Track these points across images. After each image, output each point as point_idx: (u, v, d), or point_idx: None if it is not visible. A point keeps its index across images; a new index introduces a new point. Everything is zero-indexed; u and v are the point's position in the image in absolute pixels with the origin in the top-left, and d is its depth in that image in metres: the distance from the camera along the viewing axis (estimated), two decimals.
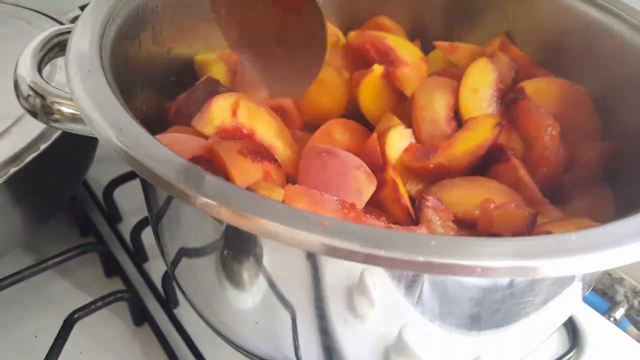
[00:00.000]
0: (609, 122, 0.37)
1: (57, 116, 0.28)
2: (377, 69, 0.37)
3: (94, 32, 0.28)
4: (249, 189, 0.25)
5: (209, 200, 0.19)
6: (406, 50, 0.39)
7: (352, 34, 0.40)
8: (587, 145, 0.36)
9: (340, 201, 0.24)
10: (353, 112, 0.39)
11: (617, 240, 0.19)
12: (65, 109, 0.27)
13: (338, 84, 0.38)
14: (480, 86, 0.38)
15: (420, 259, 0.17)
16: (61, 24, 0.47)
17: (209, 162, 0.28)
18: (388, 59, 0.39)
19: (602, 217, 0.32)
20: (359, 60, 0.40)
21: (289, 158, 0.33)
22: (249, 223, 0.19)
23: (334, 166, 0.28)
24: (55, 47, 0.31)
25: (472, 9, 0.45)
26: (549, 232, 0.29)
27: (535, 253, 0.18)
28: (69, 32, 0.29)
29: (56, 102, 0.27)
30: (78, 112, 0.25)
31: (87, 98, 0.24)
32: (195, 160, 0.27)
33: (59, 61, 0.42)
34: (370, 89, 0.38)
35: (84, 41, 0.27)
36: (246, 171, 0.27)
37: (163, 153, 0.22)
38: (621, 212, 0.33)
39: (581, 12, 0.39)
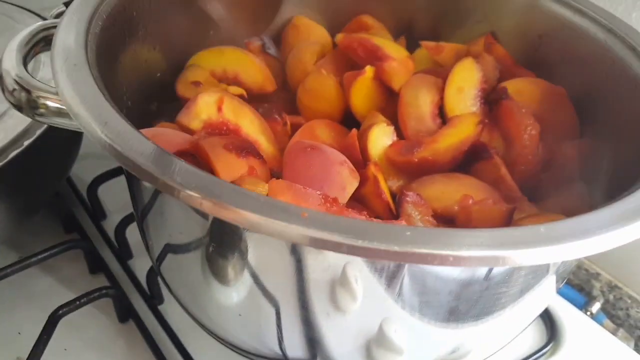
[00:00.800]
0: (586, 122, 0.38)
1: (42, 110, 0.28)
2: (369, 70, 0.38)
3: (79, 27, 0.28)
4: (233, 183, 0.26)
5: (192, 193, 0.19)
6: (393, 48, 0.40)
7: (339, 36, 0.41)
8: (565, 144, 0.37)
9: (323, 195, 0.24)
10: (349, 118, 0.40)
11: (584, 232, 0.20)
12: (50, 103, 0.28)
13: (332, 90, 0.39)
14: (465, 85, 0.39)
15: (395, 248, 0.18)
16: (45, 19, 0.46)
17: (193, 157, 0.28)
18: (375, 56, 0.39)
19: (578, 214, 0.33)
20: (349, 65, 0.41)
21: (272, 154, 0.33)
22: (231, 214, 0.19)
23: (318, 161, 0.28)
24: (40, 42, 0.31)
25: (455, 9, 0.46)
26: None
27: (506, 243, 0.18)
28: (55, 27, 0.29)
29: (42, 97, 0.27)
30: (63, 106, 0.25)
31: (72, 92, 0.24)
32: (180, 154, 0.27)
33: (43, 57, 0.42)
34: (362, 91, 0.38)
35: (69, 36, 0.27)
36: (231, 166, 0.28)
37: (147, 146, 0.22)
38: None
39: (558, 15, 0.40)
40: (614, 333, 0.50)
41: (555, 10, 0.40)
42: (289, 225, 0.18)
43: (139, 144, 0.22)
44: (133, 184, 0.30)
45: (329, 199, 0.24)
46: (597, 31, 0.37)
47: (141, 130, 0.24)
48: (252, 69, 0.41)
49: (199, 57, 0.41)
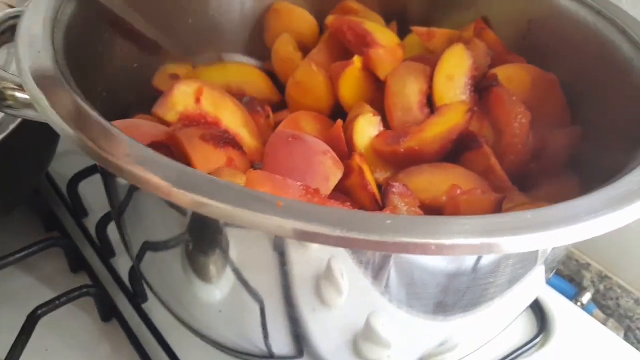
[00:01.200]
0: (577, 109, 0.38)
1: (10, 102, 0.27)
2: (357, 60, 0.37)
3: (46, 13, 0.27)
4: (210, 174, 0.25)
5: (160, 181, 0.18)
6: (383, 35, 0.39)
7: (330, 17, 0.40)
8: (556, 132, 0.36)
9: (304, 186, 0.23)
10: (337, 113, 0.39)
11: (571, 217, 0.19)
12: (19, 94, 0.26)
13: (322, 85, 0.38)
14: (455, 72, 0.38)
15: (375, 237, 0.17)
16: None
17: (168, 148, 0.27)
18: (364, 41, 0.38)
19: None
20: (341, 54, 0.40)
21: (255, 147, 0.32)
22: (202, 204, 0.18)
23: (300, 151, 0.27)
24: (7, 31, 0.29)
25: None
26: None
27: (490, 230, 0.18)
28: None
29: (9, 88, 0.26)
30: None
31: (34, 81, 0.23)
32: (154, 146, 0.26)
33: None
34: (350, 82, 0.37)
35: (35, 23, 0.26)
36: (208, 157, 0.27)
37: (116, 137, 0.21)
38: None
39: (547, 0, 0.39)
40: (604, 323, 0.50)
41: None
42: (262, 215, 0.17)
43: (106, 135, 0.21)
44: (107, 178, 0.29)
45: (311, 190, 0.23)
46: (586, 14, 0.37)
47: (114, 122, 0.23)
48: (257, 81, 0.41)
49: (200, 72, 0.40)
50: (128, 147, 0.20)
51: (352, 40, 0.38)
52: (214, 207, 0.18)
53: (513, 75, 0.38)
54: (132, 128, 0.26)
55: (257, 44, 0.45)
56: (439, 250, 0.17)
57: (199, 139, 0.27)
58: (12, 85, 0.26)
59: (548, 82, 0.38)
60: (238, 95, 0.40)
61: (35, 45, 0.25)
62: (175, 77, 0.36)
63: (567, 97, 0.38)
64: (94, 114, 0.22)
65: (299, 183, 0.23)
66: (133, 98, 0.37)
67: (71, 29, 0.28)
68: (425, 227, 0.17)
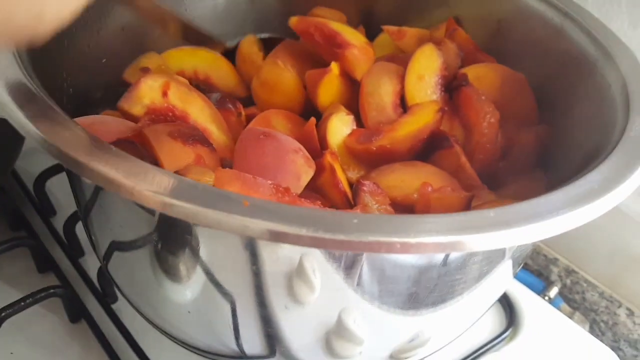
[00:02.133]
0: (544, 107, 0.39)
1: None
2: (335, 67, 0.37)
3: None
4: (177, 172, 0.24)
5: (123, 180, 0.18)
6: (352, 34, 0.39)
7: (294, 19, 0.39)
8: (524, 131, 0.37)
9: (274, 185, 0.23)
10: (308, 109, 0.38)
11: (533, 215, 0.20)
12: None
13: (291, 83, 0.38)
14: (426, 72, 0.38)
15: (342, 237, 0.17)
16: None
17: (136, 145, 0.26)
18: (334, 42, 0.38)
19: None
20: (304, 51, 0.40)
21: (224, 143, 0.32)
22: (167, 206, 0.18)
23: (272, 149, 0.27)
24: None
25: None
26: None
27: (454, 229, 0.18)
28: None
29: None
30: None
31: None
32: (120, 143, 0.25)
33: None
34: (329, 89, 0.37)
35: None
36: (176, 155, 0.26)
37: (79, 134, 0.20)
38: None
39: (517, 1, 0.40)
40: (570, 316, 0.51)
41: None
42: (228, 215, 0.17)
43: (69, 132, 0.20)
44: (73, 177, 0.28)
45: (281, 188, 0.23)
46: (553, 15, 0.38)
47: (78, 119, 0.22)
48: (225, 72, 0.40)
49: (168, 55, 0.40)
50: (91, 145, 0.19)
51: (321, 41, 0.38)
52: (180, 207, 0.18)
53: (483, 75, 0.38)
54: (97, 125, 0.25)
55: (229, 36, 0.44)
56: (405, 248, 0.17)
57: (166, 136, 0.26)
58: None
59: (517, 81, 0.39)
60: (204, 83, 0.39)
61: None
62: (146, 71, 0.35)
63: (536, 96, 0.39)
64: (56, 110, 0.22)
65: (269, 182, 0.23)
66: (101, 94, 0.36)
67: None
68: (391, 225, 0.18)
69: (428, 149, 0.35)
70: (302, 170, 0.28)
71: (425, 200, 0.30)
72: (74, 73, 0.33)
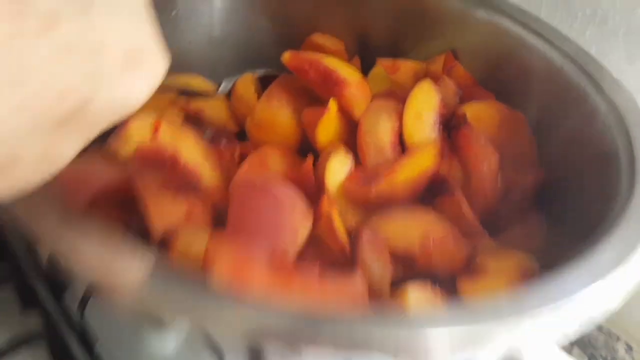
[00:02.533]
0: (543, 148, 0.38)
1: None
2: (333, 106, 0.36)
3: None
4: (167, 234, 0.23)
5: (88, 275, 0.16)
6: (347, 71, 0.38)
7: (287, 55, 0.38)
8: (523, 173, 0.36)
9: (270, 253, 0.22)
10: (305, 145, 0.37)
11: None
12: None
13: (287, 122, 0.37)
14: (424, 110, 0.37)
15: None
16: None
17: (120, 191, 0.25)
18: (330, 79, 0.37)
19: (534, 246, 0.32)
20: (300, 87, 0.39)
21: (217, 185, 0.30)
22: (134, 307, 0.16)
23: (267, 204, 0.26)
24: None
25: (413, 25, 0.44)
26: (485, 269, 0.29)
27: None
28: None
29: None
30: None
31: None
32: (108, 192, 0.24)
33: None
34: (327, 129, 0.36)
35: None
36: (166, 209, 0.25)
37: (48, 200, 0.18)
38: (552, 239, 0.34)
39: (516, 35, 0.39)
40: (569, 351, 0.51)
41: (513, 31, 0.39)
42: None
43: (38, 196, 0.18)
44: None
45: (277, 255, 0.22)
46: (553, 55, 0.37)
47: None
48: (217, 105, 0.39)
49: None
50: (58, 219, 0.17)
51: (317, 79, 0.37)
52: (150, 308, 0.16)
53: (482, 114, 0.38)
54: (82, 173, 0.24)
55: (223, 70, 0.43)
56: None
57: (157, 188, 0.25)
58: None
59: (516, 121, 0.38)
60: (195, 117, 0.38)
61: None
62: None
63: (535, 136, 0.38)
64: None
65: (264, 249, 0.22)
66: None
67: None
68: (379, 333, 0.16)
69: (430, 191, 0.34)
70: (300, 225, 0.27)
71: (427, 254, 0.29)
72: None
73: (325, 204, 0.30)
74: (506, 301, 0.19)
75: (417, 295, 0.25)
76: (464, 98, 0.40)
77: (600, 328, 0.53)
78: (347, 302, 0.22)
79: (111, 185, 0.25)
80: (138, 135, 0.29)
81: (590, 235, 0.27)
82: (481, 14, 0.41)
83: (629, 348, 0.52)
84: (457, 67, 0.41)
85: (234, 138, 0.37)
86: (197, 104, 0.39)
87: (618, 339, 0.52)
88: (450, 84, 0.39)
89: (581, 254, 0.24)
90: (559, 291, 0.20)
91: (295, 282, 0.22)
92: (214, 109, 0.39)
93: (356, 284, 0.23)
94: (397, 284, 0.28)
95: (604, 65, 0.36)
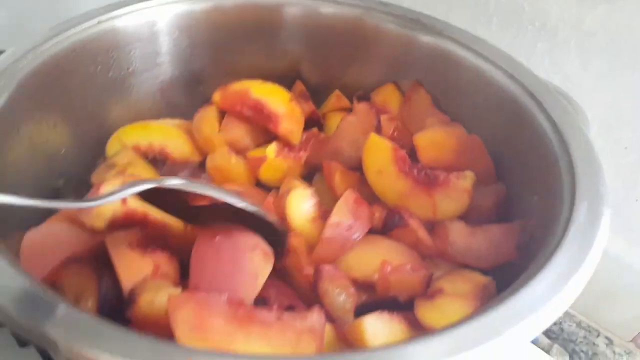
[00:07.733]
0: (500, 168, 0.39)
1: None
2: (271, 152, 0.39)
3: None
4: (133, 290, 0.25)
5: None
6: (274, 98, 0.40)
7: (216, 95, 0.40)
8: (486, 194, 0.37)
9: (228, 301, 0.23)
10: None
11: None
12: None
13: (240, 169, 0.40)
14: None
15: None
16: None
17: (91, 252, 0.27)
18: (262, 114, 0.40)
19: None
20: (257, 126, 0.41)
21: (184, 233, 0.31)
22: None
23: (227, 251, 0.28)
24: None
25: (356, 58, 0.45)
26: (441, 290, 0.30)
27: None
28: None
29: None
30: None
31: None
32: (77, 258, 0.26)
33: None
34: (269, 170, 0.39)
35: None
36: (134, 266, 0.27)
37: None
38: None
39: (462, 59, 0.40)
40: (549, 349, 0.52)
41: (458, 54, 0.40)
42: None
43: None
44: None
45: (234, 302, 0.23)
46: (500, 77, 0.38)
47: (30, 231, 0.22)
48: (179, 142, 0.41)
49: (123, 131, 0.41)
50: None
51: (251, 115, 0.40)
52: None
53: (440, 140, 0.39)
54: (50, 239, 0.25)
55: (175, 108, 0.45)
56: None
57: (126, 247, 0.27)
58: None
59: (473, 143, 0.39)
60: (160, 155, 0.40)
61: None
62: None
63: (492, 156, 0.39)
64: None
65: (222, 297, 0.23)
66: (62, 182, 0.36)
67: None
68: None
69: (385, 227, 0.35)
70: (259, 268, 0.28)
71: (385, 281, 0.31)
72: (32, 164, 0.33)
73: (292, 240, 0.31)
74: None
75: (374, 326, 0.27)
76: (422, 119, 0.41)
77: (579, 323, 0.54)
78: (306, 340, 0.24)
79: (79, 251, 0.27)
80: (109, 208, 0.28)
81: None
82: (426, 39, 0.42)
83: (610, 342, 0.53)
84: (420, 89, 0.43)
85: (198, 168, 0.39)
86: (159, 142, 0.40)
87: (598, 334, 0.53)
88: (388, 124, 0.40)
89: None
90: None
91: (253, 326, 0.23)
92: (177, 145, 0.41)
93: (314, 321, 0.24)
94: (362, 309, 0.30)
95: (544, 81, 0.37)
